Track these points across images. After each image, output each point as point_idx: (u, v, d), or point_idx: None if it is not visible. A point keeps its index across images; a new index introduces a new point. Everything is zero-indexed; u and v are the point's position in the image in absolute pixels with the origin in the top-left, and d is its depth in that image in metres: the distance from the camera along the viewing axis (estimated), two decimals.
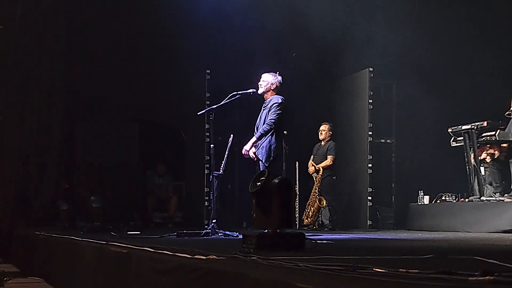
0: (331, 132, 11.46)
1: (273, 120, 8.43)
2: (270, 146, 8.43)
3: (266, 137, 8.45)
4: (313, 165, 11.17)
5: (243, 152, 8.61)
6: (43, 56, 12.04)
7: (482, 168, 9.95)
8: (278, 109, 8.48)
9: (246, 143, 8.66)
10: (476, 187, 9.86)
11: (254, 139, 8.52)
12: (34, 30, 11.94)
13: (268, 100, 8.67)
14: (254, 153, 8.50)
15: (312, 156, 11.41)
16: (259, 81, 8.77)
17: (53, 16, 12.10)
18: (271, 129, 8.44)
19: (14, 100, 11.80)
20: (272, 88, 8.70)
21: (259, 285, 2.93)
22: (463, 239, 7.56)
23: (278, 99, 8.57)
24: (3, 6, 11.67)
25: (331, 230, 10.54)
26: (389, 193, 12.30)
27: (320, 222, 11.20)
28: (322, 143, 11.45)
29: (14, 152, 11.76)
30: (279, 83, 8.75)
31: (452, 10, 11.59)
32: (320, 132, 11.50)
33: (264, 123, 8.52)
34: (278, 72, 8.81)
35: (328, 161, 11.14)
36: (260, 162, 8.38)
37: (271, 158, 8.40)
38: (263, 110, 8.69)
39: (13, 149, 11.77)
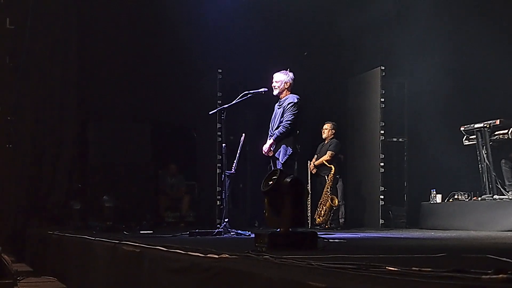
0: (333, 131, 11.53)
1: (289, 122, 8.45)
2: (286, 144, 8.45)
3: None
4: (313, 163, 11.27)
5: (264, 153, 8.62)
6: (55, 56, 12.09)
7: None
8: (295, 109, 8.49)
9: (261, 143, 8.70)
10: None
11: (271, 140, 8.53)
12: (46, 30, 11.99)
13: (283, 99, 8.65)
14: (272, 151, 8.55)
15: (315, 156, 11.46)
16: (272, 82, 8.75)
17: (64, 16, 12.15)
18: (287, 130, 8.45)
19: (26, 100, 11.85)
20: (286, 87, 8.69)
21: (271, 284, 2.93)
22: (476, 237, 7.53)
23: (294, 98, 8.57)
24: (14, 6, 11.72)
25: (336, 229, 10.55)
26: (401, 192, 12.26)
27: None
28: (325, 141, 11.51)
29: (27, 152, 11.82)
30: (292, 80, 8.72)
31: (465, 7, 11.53)
32: (322, 131, 11.58)
33: (279, 123, 8.53)
34: (288, 69, 8.80)
35: (326, 156, 11.15)
36: (277, 161, 8.41)
37: (287, 156, 8.43)
38: (278, 109, 8.68)
39: (26, 149, 11.83)
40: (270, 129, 8.75)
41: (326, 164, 11.10)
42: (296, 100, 8.55)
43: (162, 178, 13.16)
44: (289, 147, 8.45)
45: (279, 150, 8.45)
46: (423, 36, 11.97)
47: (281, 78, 8.70)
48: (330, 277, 2.89)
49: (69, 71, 12.17)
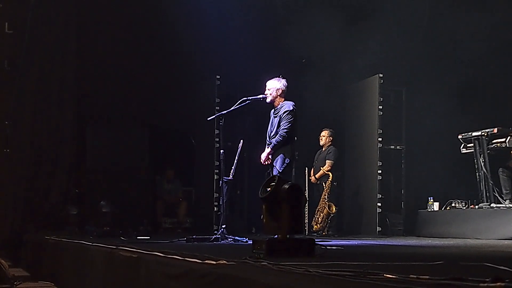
0: (331, 138, 11.53)
1: (286, 130, 8.44)
2: (284, 153, 8.45)
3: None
4: (314, 176, 11.26)
5: (262, 162, 8.61)
6: (54, 61, 12.07)
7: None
8: (290, 117, 8.48)
9: (259, 149, 8.71)
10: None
11: (268, 149, 8.52)
12: (45, 35, 11.97)
13: (279, 107, 8.64)
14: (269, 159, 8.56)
15: (314, 163, 11.47)
16: (265, 90, 8.75)
17: (63, 21, 12.14)
18: (284, 139, 8.45)
19: (24, 104, 11.83)
20: (279, 94, 8.67)
21: None
22: (473, 245, 7.53)
23: (289, 106, 8.55)
24: (13, 11, 11.72)
25: (334, 236, 10.54)
26: (399, 199, 12.26)
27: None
28: (323, 149, 11.51)
29: (24, 157, 11.79)
30: (285, 86, 8.71)
31: (461, 16, 11.56)
32: (320, 138, 11.58)
33: (276, 131, 8.52)
34: (281, 76, 8.80)
35: (326, 167, 11.15)
36: (274, 168, 8.41)
37: (285, 164, 8.42)
38: (275, 117, 8.68)
39: (23, 154, 11.79)
40: (267, 137, 8.75)
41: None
42: (291, 108, 8.53)
43: (159, 183, 13.14)
44: (286, 157, 8.45)
45: (277, 158, 8.45)
46: (421, 44, 11.99)
47: (273, 85, 8.69)
48: (327, 284, 2.89)
49: (68, 76, 12.15)
